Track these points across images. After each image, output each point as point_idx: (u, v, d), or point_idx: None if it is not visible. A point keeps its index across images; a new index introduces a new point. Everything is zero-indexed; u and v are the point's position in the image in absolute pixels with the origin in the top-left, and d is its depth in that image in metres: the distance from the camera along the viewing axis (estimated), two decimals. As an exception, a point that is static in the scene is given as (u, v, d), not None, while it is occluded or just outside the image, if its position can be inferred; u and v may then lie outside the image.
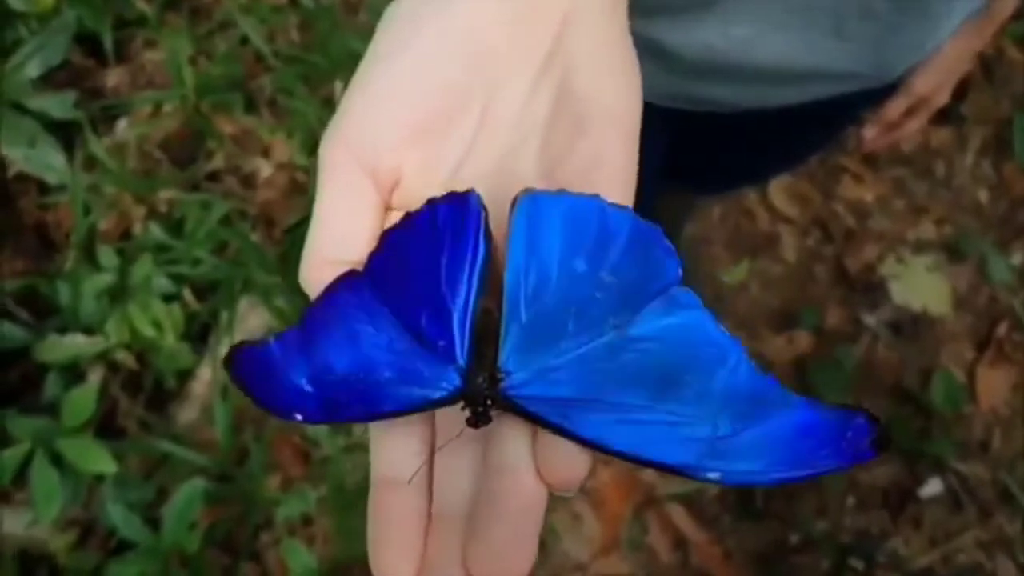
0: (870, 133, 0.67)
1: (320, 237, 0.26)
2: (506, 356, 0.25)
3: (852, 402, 1.13)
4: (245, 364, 0.26)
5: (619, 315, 0.24)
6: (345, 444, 1.00)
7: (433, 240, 0.25)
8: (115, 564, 0.89)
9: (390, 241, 0.26)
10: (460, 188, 0.26)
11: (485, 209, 0.25)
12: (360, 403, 0.25)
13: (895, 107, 0.63)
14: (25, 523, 0.92)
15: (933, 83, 0.61)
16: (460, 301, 0.25)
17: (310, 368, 0.25)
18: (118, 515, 0.90)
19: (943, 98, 0.63)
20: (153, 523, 0.91)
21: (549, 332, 0.24)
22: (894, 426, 1.14)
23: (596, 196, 0.25)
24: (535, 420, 0.24)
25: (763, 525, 1.10)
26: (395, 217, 0.27)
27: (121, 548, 0.91)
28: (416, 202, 0.26)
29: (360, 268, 0.26)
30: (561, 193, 0.25)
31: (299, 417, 0.25)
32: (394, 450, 0.25)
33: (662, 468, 0.23)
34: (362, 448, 1.00)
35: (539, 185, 0.25)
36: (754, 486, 0.23)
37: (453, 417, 0.25)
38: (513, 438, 0.24)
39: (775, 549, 1.09)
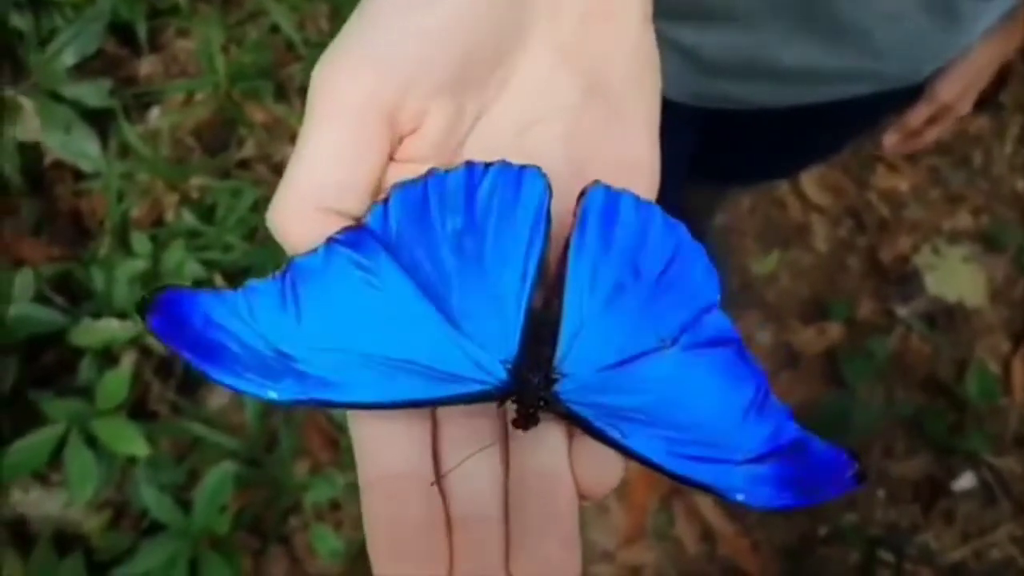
0: (891, 140, 0.66)
1: (310, 177, 0.22)
2: (562, 357, 0.23)
3: (885, 393, 1.12)
4: (176, 314, 0.21)
5: (663, 330, 0.24)
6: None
7: (471, 210, 0.23)
8: (147, 545, 0.91)
9: (408, 198, 0.22)
10: (475, 154, 0.24)
11: (551, 192, 0.23)
12: (366, 387, 0.21)
13: (918, 115, 0.62)
14: (60, 504, 0.94)
15: (957, 90, 0.60)
16: (512, 287, 0.23)
17: (295, 336, 0.21)
18: (150, 497, 0.91)
19: (966, 106, 0.62)
20: (184, 505, 0.93)
21: (604, 338, 0.23)
22: (927, 419, 1.12)
23: (653, 203, 0.24)
24: (586, 428, 0.23)
25: (791, 517, 1.09)
26: (399, 171, 0.23)
27: (153, 529, 0.93)
28: (430, 159, 0.24)
29: (354, 223, 0.22)
30: (625, 193, 0.24)
31: (273, 395, 0.21)
32: (399, 445, 0.22)
33: (697, 486, 0.23)
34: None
35: (569, 177, 0.24)
36: (770, 509, 0.23)
37: (454, 410, 0.23)
38: (553, 441, 0.23)
39: (803, 541, 1.08)
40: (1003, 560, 1.08)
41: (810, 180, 1.23)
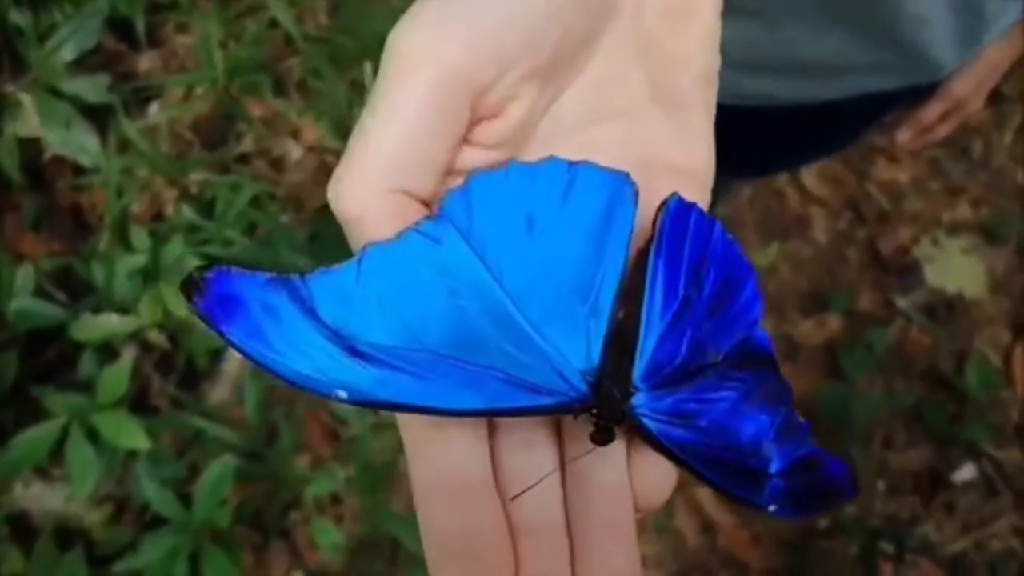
0: (904, 136, 0.66)
1: (380, 151, 0.20)
2: (640, 371, 0.22)
3: (885, 385, 1.12)
4: (228, 297, 0.19)
5: (716, 345, 0.24)
6: (373, 423, 1.01)
7: (554, 209, 0.22)
8: (148, 539, 0.91)
9: (490, 188, 0.21)
10: (540, 143, 0.23)
11: (638, 201, 0.22)
12: (442, 391, 0.20)
13: (931, 111, 0.62)
14: (61, 499, 0.95)
15: (971, 87, 0.60)
16: (595, 296, 0.22)
17: (367, 331, 0.20)
18: (151, 491, 0.91)
19: (978, 103, 0.62)
20: (185, 499, 0.93)
21: (672, 351, 0.23)
22: (927, 410, 1.12)
23: (715, 219, 0.24)
24: (652, 442, 0.22)
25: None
26: (469, 156, 0.22)
27: (154, 523, 0.93)
28: (500, 145, 0.22)
29: (427, 208, 0.21)
30: (695, 206, 0.23)
31: (341, 395, 0.19)
32: (459, 449, 0.21)
33: (734, 498, 0.24)
34: (390, 427, 1.01)
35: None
36: (791, 518, 0.24)
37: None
38: (618, 454, 0.22)
39: (803, 534, 1.08)
40: (1004, 551, 1.08)
41: (809, 172, 1.23)
